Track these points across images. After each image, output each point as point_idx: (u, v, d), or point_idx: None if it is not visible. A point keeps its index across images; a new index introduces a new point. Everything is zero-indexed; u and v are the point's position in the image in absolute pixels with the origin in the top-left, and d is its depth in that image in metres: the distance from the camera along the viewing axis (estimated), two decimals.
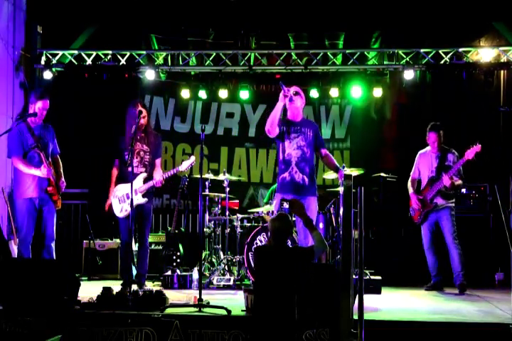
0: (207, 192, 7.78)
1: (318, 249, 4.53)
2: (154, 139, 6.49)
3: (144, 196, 6.34)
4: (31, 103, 6.25)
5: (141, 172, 6.37)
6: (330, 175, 7.62)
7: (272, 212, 6.96)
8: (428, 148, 7.03)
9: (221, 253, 7.61)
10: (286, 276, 4.33)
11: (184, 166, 6.39)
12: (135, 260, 7.51)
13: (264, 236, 7.06)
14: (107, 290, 5.33)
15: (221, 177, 7.68)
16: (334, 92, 8.61)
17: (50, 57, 8.70)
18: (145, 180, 6.37)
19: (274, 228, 4.52)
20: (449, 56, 8.32)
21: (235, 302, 5.77)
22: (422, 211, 6.90)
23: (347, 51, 8.56)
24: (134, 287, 5.96)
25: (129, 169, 5.85)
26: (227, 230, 7.66)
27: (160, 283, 7.06)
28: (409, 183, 7.12)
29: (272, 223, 4.54)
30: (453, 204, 6.87)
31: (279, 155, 5.99)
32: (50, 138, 6.37)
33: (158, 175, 6.44)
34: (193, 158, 6.37)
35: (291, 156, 5.92)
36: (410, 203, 7.08)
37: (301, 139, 5.93)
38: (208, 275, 7.31)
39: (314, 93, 8.73)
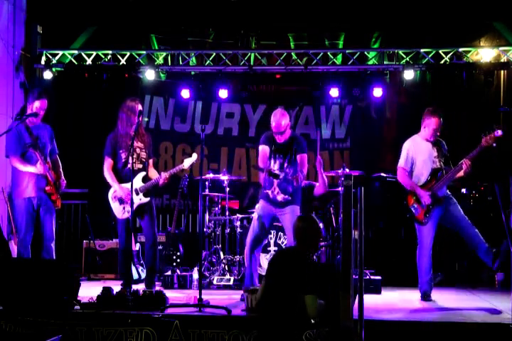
0: (207, 192, 7.79)
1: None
2: (147, 138, 6.47)
3: (145, 195, 6.33)
4: (29, 103, 6.27)
5: (139, 169, 6.33)
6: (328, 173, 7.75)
7: None
8: (417, 136, 6.39)
9: (221, 253, 7.62)
10: (298, 283, 4.27)
11: (187, 164, 6.37)
12: (135, 260, 7.53)
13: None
14: (107, 290, 5.33)
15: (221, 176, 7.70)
16: (334, 92, 8.60)
17: (50, 57, 8.71)
18: (144, 179, 6.36)
19: (296, 227, 4.47)
20: (449, 56, 8.33)
21: (235, 302, 5.78)
22: (432, 208, 6.20)
23: (347, 51, 8.57)
24: (134, 287, 5.95)
25: (128, 167, 5.85)
26: (227, 230, 7.67)
27: (160, 283, 7.06)
28: (404, 177, 6.34)
29: (297, 222, 4.49)
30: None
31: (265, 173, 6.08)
32: (49, 139, 6.38)
33: (156, 173, 6.44)
34: (195, 156, 6.35)
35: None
36: (410, 201, 6.33)
37: (286, 161, 6.06)
38: (208, 275, 7.31)
39: (314, 93, 8.73)
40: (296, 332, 4.28)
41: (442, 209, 6.27)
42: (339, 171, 7.28)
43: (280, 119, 5.98)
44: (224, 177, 7.71)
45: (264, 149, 6.12)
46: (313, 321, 4.29)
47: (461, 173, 6.16)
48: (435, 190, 6.22)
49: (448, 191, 6.33)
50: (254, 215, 6.24)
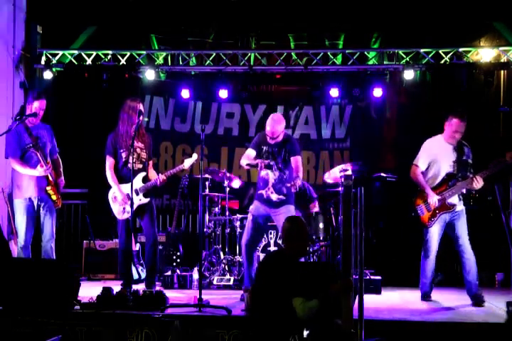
0: (207, 192, 7.79)
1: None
2: (147, 138, 6.48)
3: (145, 195, 6.33)
4: (28, 103, 6.28)
5: (139, 169, 6.33)
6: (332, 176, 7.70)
7: None
8: (440, 137, 6.25)
9: (221, 254, 7.62)
10: (284, 286, 4.22)
11: (187, 164, 6.37)
12: (135, 260, 7.53)
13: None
14: (107, 290, 5.33)
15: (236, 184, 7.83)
16: (334, 92, 8.60)
17: (50, 57, 8.70)
18: (144, 179, 6.35)
19: (283, 228, 4.43)
20: (449, 56, 8.32)
21: (235, 302, 5.78)
22: (438, 213, 6.10)
23: (347, 51, 8.55)
24: (134, 287, 5.95)
25: (129, 167, 5.86)
26: (227, 230, 7.68)
27: (160, 283, 7.06)
28: (416, 175, 6.23)
29: (284, 223, 4.42)
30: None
31: (258, 170, 6.11)
32: (49, 138, 6.38)
33: (155, 174, 6.44)
34: (195, 156, 6.36)
35: (269, 177, 6.09)
36: (418, 201, 6.25)
37: (280, 162, 6.06)
38: (208, 275, 7.31)
39: (314, 93, 8.72)
40: (285, 334, 4.24)
41: (450, 217, 6.15)
42: None
43: (276, 126, 6.05)
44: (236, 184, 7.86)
45: (249, 152, 6.19)
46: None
47: (472, 187, 6.02)
48: (446, 197, 6.11)
49: (462, 204, 6.18)
50: (249, 216, 6.23)
